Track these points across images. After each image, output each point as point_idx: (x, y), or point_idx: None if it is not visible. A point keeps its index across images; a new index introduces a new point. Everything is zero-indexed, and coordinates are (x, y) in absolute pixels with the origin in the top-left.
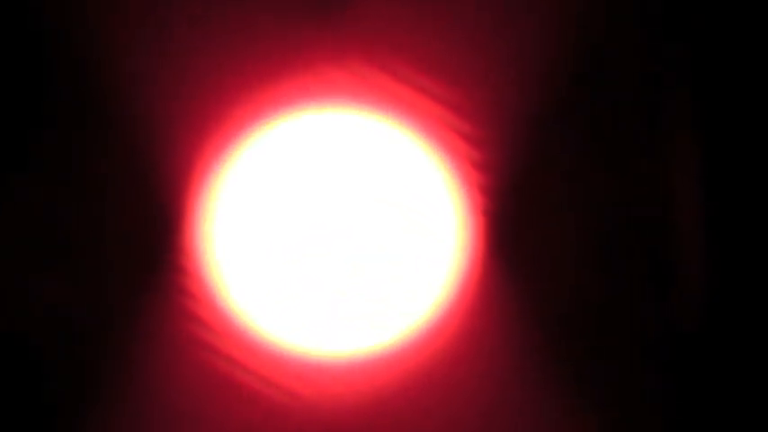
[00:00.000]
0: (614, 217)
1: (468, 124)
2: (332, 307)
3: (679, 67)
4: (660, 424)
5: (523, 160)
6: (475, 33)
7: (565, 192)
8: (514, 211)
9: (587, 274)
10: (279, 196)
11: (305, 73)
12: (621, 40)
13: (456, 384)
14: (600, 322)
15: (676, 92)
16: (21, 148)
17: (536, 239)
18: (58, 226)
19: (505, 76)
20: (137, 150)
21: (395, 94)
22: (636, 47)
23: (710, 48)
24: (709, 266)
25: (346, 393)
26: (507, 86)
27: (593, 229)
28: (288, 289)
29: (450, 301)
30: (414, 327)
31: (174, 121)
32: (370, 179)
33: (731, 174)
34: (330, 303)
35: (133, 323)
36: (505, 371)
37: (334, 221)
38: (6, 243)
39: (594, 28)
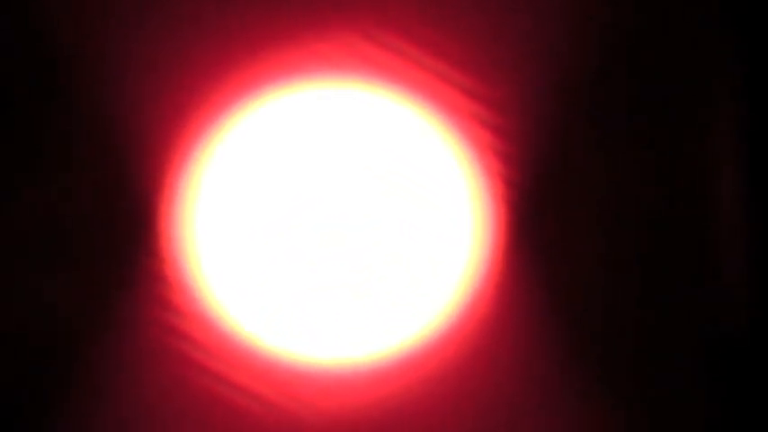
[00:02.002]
0: (651, 210)
1: (490, 112)
2: (334, 308)
3: (722, 58)
4: (701, 425)
5: (549, 150)
6: (500, 16)
7: (594, 184)
8: (539, 203)
9: (619, 270)
10: (272, 185)
11: (298, 46)
12: (660, 28)
13: (475, 389)
14: (634, 320)
15: (718, 82)
16: None
17: (563, 234)
18: (35, 221)
19: (532, 62)
20: (114, 139)
21: (408, 76)
22: (676, 36)
23: (756, 41)
24: (752, 264)
25: (348, 406)
26: (533, 74)
27: (626, 224)
28: (282, 289)
29: (468, 301)
30: (428, 329)
31: (153, 105)
32: (378, 165)
33: None
34: (332, 304)
35: (110, 323)
36: (528, 371)
37: (335, 213)
38: None
39: (631, 14)
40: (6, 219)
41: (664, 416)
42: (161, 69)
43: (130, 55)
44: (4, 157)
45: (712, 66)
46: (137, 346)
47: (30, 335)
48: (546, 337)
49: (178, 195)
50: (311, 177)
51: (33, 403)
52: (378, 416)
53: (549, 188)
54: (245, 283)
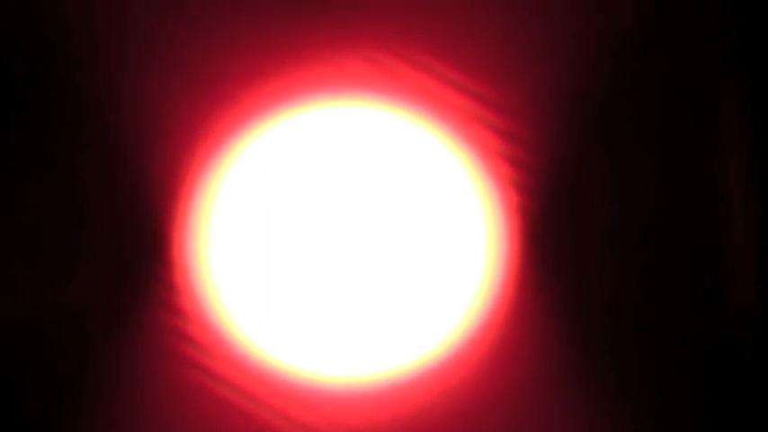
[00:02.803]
0: (661, 216)
1: (503, 120)
2: (343, 322)
3: (732, 60)
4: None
5: (561, 158)
6: (510, 23)
7: (607, 190)
8: (551, 211)
9: (629, 276)
10: (285, 200)
11: (315, 63)
12: (670, 30)
13: (488, 401)
14: (643, 327)
15: (728, 86)
16: (5, 146)
17: (574, 241)
18: (42, 229)
19: (543, 70)
20: (126, 151)
21: (420, 85)
22: (685, 38)
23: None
24: (762, 272)
25: (362, 425)
26: (546, 82)
27: (637, 232)
28: (294, 304)
29: (481, 312)
30: (441, 342)
31: (167, 120)
32: (390, 178)
33: None
34: (341, 317)
35: (121, 327)
36: (542, 380)
37: (348, 226)
38: None
39: (642, 15)
40: (22, 222)
41: (674, 423)
42: (179, 81)
43: (148, 66)
44: (21, 163)
45: (723, 72)
46: (147, 350)
47: (41, 334)
48: (559, 346)
49: (192, 205)
50: (326, 190)
51: (42, 401)
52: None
53: (561, 196)
54: (257, 293)
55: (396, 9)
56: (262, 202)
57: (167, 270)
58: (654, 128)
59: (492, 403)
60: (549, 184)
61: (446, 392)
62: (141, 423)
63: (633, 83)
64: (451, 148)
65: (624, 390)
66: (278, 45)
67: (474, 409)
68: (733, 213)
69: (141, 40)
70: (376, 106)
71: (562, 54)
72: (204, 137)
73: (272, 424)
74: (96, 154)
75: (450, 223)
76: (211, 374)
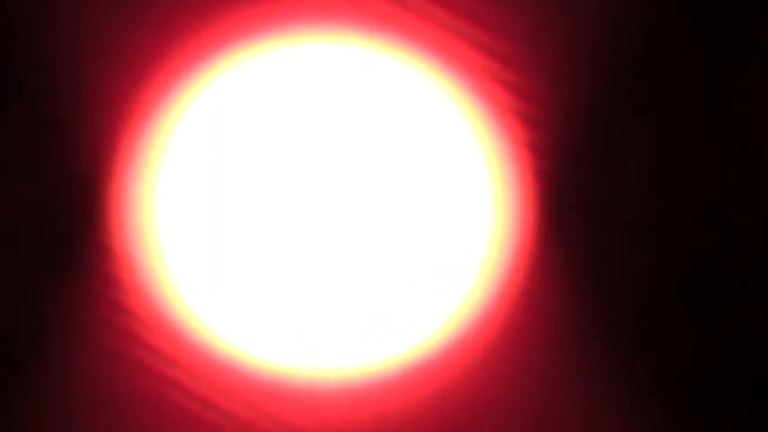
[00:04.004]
0: (692, 204)
1: (522, 96)
2: (327, 309)
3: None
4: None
5: (585, 137)
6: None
7: (638, 162)
8: (571, 196)
9: (658, 268)
10: (247, 165)
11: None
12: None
13: (496, 400)
14: (675, 325)
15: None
16: None
17: (597, 231)
18: None
19: (567, 46)
20: (56, 126)
21: (426, 32)
22: (717, 15)
23: None
24: None
25: (343, 425)
26: (570, 36)
27: (667, 218)
28: (260, 291)
29: (489, 305)
30: (443, 334)
31: (98, 89)
32: (384, 137)
33: None
34: (325, 304)
35: (54, 323)
36: (559, 378)
37: (325, 198)
38: None
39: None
40: None
41: (705, 421)
42: (102, 41)
43: (70, 35)
44: None
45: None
46: (83, 352)
47: None
48: (579, 343)
49: (131, 183)
50: (299, 152)
51: None
52: None
53: (585, 167)
54: (216, 282)
55: None
56: (218, 170)
57: (104, 259)
58: (692, 92)
59: (494, 402)
60: (572, 153)
61: (444, 389)
62: (81, 424)
63: (669, 43)
64: (461, 107)
65: (650, 386)
66: None
67: (475, 409)
68: None
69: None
70: (374, 46)
71: (590, 29)
72: (142, 97)
73: (234, 425)
74: (25, 138)
75: (455, 195)
76: (162, 377)
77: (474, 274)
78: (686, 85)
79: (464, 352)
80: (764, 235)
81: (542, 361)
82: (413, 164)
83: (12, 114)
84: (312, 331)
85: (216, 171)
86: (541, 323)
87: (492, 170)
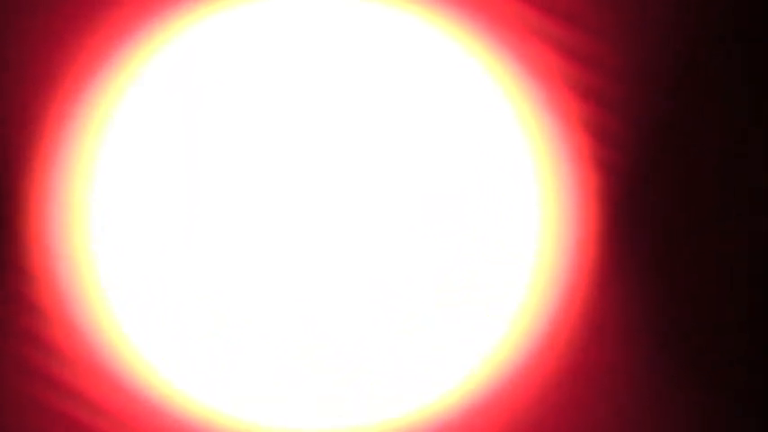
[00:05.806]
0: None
1: (588, 76)
2: (316, 360)
3: None
4: None
5: (654, 133)
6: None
7: (712, 169)
8: (643, 193)
9: (729, 277)
10: (207, 151)
11: None
12: None
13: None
14: (747, 331)
15: None
16: None
17: (665, 236)
18: None
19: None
20: None
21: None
22: None
23: None
24: None
25: None
26: (643, 32)
27: (740, 219)
28: (212, 329)
29: (541, 326)
30: (477, 378)
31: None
32: (412, 128)
33: None
34: (313, 352)
35: None
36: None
37: (317, 205)
38: None
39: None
40: None
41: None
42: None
43: None
44: None
45: None
46: None
47: None
48: (645, 362)
49: (57, 169)
50: (264, 145)
51: None
52: None
53: (653, 176)
54: (158, 293)
55: None
56: (166, 156)
57: (21, 256)
58: (759, 94)
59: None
60: (639, 160)
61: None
62: None
63: (735, 48)
64: (514, 104)
65: (726, 402)
66: None
67: None
68: None
69: None
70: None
71: (658, 23)
72: (64, 87)
73: None
74: None
75: (506, 210)
76: (78, 398)
77: (531, 293)
78: (753, 86)
79: (522, 386)
80: None
81: (611, 385)
82: (469, 168)
83: None
84: (297, 389)
85: (162, 160)
86: (608, 344)
87: (555, 177)
